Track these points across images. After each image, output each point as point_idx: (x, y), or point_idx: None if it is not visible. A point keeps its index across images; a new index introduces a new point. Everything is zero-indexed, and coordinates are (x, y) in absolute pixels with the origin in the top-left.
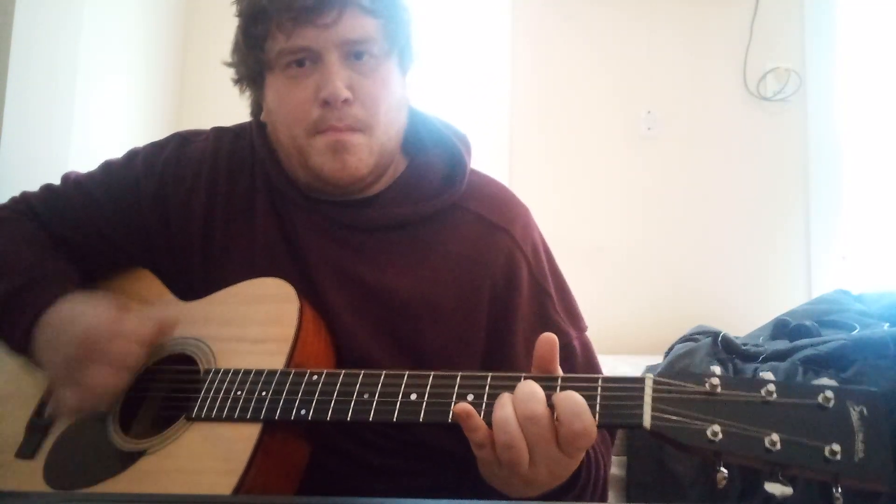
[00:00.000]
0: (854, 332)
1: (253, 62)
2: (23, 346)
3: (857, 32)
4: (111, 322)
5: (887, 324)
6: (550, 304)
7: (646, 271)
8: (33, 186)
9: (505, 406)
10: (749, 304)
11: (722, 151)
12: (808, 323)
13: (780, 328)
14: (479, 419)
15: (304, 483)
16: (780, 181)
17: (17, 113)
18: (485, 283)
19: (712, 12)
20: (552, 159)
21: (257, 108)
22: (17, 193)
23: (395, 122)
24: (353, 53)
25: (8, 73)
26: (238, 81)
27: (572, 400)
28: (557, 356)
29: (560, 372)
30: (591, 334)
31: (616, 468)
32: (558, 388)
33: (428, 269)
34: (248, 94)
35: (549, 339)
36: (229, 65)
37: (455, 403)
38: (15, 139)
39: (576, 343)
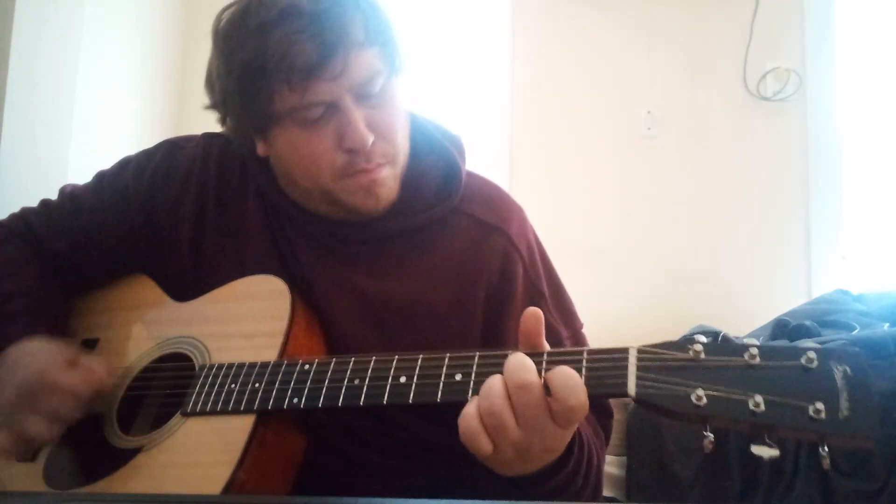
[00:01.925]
0: (854, 332)
1: (254, 117)
2: None
3: (857, 32)
4: (51, 375)
5: (887, 324)
6: (543, 303)
7: (646, 271)
8: (33, 187)
9: (493, 376)
10: (749, 304)
11: (722, 151)
12: (808, 323)
13: (780, 328)
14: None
15: (301, 482)
16: (780, 181)
17: (17, 114)
18: (480, 283)
19: (712, 12)
20: (552, 159)
21: (250, 143)
22: (17, 193)
23: (407, 135)
24: (364, 92)
25: (8, 74)
26: (223, 122)
27: (566, 375)
28: (543, 331)
29: (547, 347)
30: (591, 334)
31: (616, 468)
32: (544, 363)
33: (424, 274)
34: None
35: (535, 313)
36: (211, 108)
37: (443, 384)
38: (15, 140)
39: (567, 343)
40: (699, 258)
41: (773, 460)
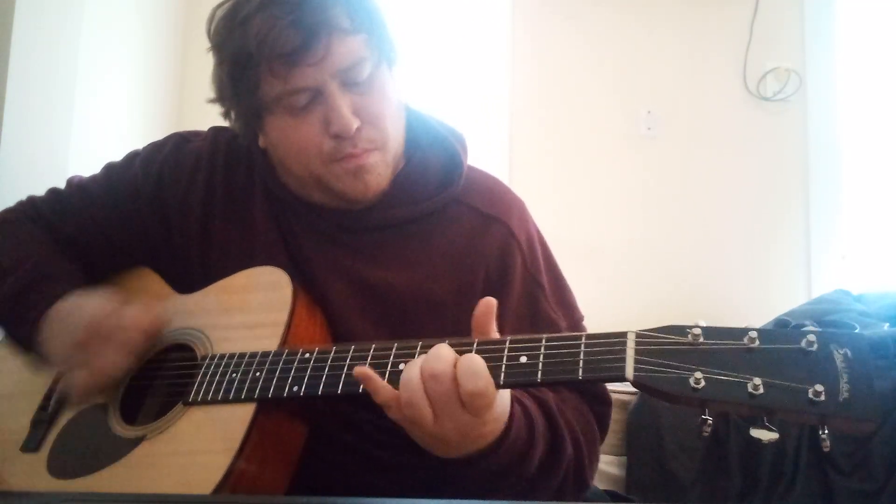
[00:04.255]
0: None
1: (247, 107)
2: (28, 339)
3: (857, 32)
4: (114, 311)
5: (887, 324)
6: (542, 294)
7: (646, 271)
8: (33, 187)
9: (412, 366)
10: (749, 304)
11: (722, 151)
12: (808, 323)
13: (781, 328)
14: (378, 381)
15: (304, 476)
16: (780, 181)
17: (17, 113)
18: (479, 273)
19: (712, 12)
20: (552, 159)
21: (252, 135)
22: (17, 193)
23: (399, 125)
24: (350, 78)
25: (8, 73)
26: (227, 116)
27: (470, 361)
28: (492, 320)
29: (496, 335)
30: None
31: (616, 468)
32: (506, 351)
33: (425, 264)
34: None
35: (487, 303)
36: (214, 101)
37: None
38: (15, 139)
39: None
40: (699, 258)
41: (773, 451)
